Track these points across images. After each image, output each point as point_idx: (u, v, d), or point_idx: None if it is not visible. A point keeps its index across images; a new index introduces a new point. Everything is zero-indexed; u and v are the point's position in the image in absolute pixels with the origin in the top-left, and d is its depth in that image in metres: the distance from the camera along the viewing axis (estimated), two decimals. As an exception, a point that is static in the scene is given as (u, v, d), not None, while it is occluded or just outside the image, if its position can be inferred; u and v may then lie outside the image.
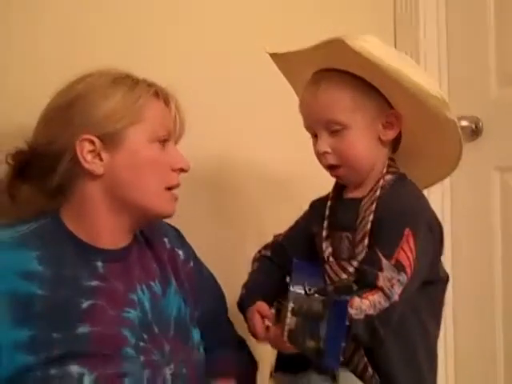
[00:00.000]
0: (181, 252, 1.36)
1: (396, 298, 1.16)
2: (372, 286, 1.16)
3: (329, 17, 1.81)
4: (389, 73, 1.20)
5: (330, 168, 1.30)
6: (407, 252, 1.18)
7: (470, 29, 1.93)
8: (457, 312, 1.94)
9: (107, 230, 1.23)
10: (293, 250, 1.36)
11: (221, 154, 1.68)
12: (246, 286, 1.36)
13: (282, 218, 1.42)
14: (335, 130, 1.26)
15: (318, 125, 1.27)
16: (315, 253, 1.31)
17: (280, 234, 1.43)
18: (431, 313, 1.29)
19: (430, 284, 1.25)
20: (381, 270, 1.17)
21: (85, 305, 1.15)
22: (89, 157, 1.19)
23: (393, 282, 1.16)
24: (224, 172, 1.70)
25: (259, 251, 1.43)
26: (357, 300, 1.15)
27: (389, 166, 1.29)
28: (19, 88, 1.36)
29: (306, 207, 1.42)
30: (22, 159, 1.26)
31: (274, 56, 1.36)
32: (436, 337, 1.31)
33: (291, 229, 1.42)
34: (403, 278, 1.17)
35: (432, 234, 1.24)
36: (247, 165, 1.71)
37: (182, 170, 1.27)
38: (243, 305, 1.32)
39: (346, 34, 1.20)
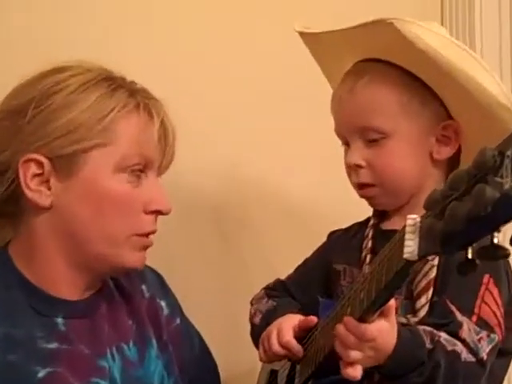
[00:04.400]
0: (163, 304, 1.15)
1: (484, 355, 0.96)
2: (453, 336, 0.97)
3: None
4: (452, 74, 1.03)
5: (360, 187, 1.12)
6: (491, 306, 1.00)
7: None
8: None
9: (63, 279, 1.02)
10: (301, 294, 1.20)
11: (227, 171, 1.53)
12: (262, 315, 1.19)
13: (293, 252, 1.31)
14: (373, 139, 1.09)
15: (352, 130, 1.11)
16: (331, 295, 1.14)
17: (279, 279, 1.27)
18: None
19: (500, 355, 1.02)
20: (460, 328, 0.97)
21: (41, 374, 0.97)
22: (33, 183, 0.98)
23: (480, 335, 0.98)
24: (228, 193, 1.54)
25: (260, 293, 1.26)
26: (446, 336, 0.96)
27: None
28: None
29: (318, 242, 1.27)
30: None
31: (304, 36, 1.19)
32: None
33: (299, 270, 1.25)
34: (494, 336, 0.99)
35: (508, 280, 1.05)
36: (255, 185, 1.57)
37: (160, 213, 1.04)
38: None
39: (396, 16, 1.04)
